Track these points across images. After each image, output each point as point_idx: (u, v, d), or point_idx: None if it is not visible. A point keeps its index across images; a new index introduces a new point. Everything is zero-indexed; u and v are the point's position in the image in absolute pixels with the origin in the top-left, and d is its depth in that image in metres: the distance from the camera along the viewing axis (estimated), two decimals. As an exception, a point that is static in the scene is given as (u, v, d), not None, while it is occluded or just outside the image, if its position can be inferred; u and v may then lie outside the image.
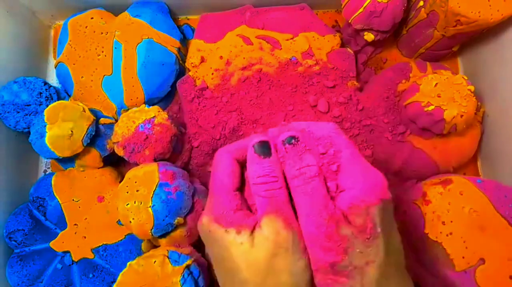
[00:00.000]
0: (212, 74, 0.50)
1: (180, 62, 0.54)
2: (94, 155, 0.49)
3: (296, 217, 0.26)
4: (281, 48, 0.50)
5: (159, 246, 0.45)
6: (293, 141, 0.27)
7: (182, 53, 0.55)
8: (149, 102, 0.52)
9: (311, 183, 0.26)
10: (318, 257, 0.25)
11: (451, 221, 0.40)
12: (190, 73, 0.51)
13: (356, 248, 0.24)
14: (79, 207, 0.47)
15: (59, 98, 0.53)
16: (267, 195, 0.26)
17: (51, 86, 0.52)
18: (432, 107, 0.43)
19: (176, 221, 0.41)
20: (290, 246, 0.25)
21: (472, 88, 0.44)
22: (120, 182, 0.51)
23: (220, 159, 0.29)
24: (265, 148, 0.27)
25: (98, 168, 0.50)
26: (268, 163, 0.27)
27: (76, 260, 0.46)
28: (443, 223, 0.41)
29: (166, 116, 0.45)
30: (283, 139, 0.27)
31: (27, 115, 0.49)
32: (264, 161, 0.27)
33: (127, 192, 0.40)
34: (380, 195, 0.25)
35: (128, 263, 0.42)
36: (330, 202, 0.25)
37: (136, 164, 0.45)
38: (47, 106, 0.47)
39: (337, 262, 0.24)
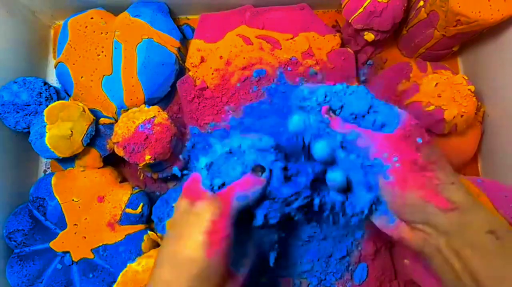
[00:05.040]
0: (212, 74, 0.50)
1: (180, 62, 0.54)
2: (94, 155, 0.49)
3: None
4: (281, 48, 0.50)
5: (159, 245, 0.45)
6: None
7: (182, 53, 0.55)
8: (149, 102, 0.52)
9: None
10: (402, 162, 0.28)
11: (452, 221, 0.40)
12: (190, 73, 0.51)
13: (424, 149, 0.29)
14: (79, 207, 0.47)
15: (59, 98, 0.53)
16: None
17: (51, 86, 0.52)
18: (433, 107, 0.43)
19: None
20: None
21: (472, 88, 0.44)
22: (120, 182, 0.51)
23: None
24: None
25: (98, 168, 0.50)
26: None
27: (76, 260, 0.46)
28: (444, 222, 0.41)
29: (166, 116, 0.45)
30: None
31: (27, 115, 0.49)
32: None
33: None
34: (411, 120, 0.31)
35: (128, 263, 0.42)
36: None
37: (136, 164, 0.45)
38: (47, 106, 0.47)
39: (417, 159, 0.29)
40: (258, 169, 0.32)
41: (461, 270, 0.26)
